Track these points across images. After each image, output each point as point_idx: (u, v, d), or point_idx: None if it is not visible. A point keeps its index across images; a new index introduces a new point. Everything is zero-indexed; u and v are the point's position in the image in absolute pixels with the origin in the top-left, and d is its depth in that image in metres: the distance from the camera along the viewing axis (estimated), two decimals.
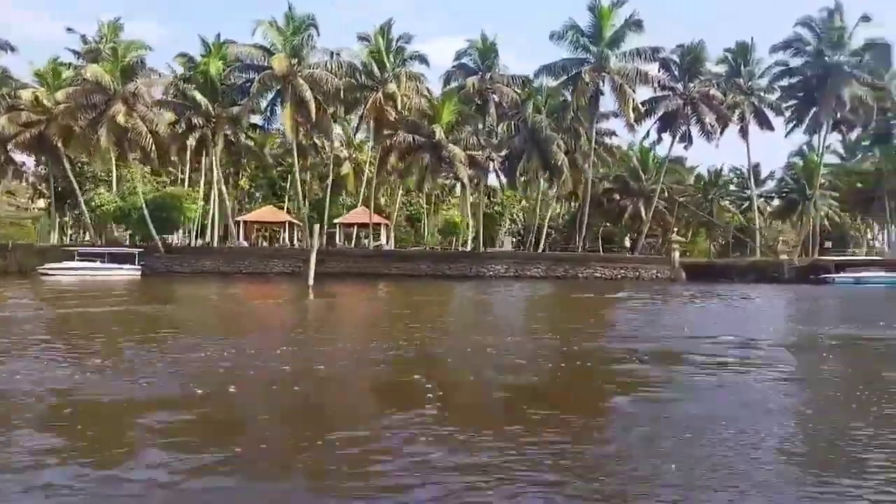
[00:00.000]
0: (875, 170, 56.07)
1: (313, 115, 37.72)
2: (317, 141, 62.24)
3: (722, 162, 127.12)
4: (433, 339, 12.90)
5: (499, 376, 9.08)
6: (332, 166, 55.25)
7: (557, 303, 26.26)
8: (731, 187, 75.58)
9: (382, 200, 62.83)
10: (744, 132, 52.70)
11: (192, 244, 50.85)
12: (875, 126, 51.22)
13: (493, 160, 41.84)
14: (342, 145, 65.12)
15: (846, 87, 42.91)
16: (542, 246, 58.35)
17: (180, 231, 56.27)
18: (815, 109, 45.58)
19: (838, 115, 49.97)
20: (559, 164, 39.30)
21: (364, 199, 44.98)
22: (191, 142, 41.81)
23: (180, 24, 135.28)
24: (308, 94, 37.44)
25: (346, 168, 61.85)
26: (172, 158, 47.72)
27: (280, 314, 19.13)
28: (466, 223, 72.06)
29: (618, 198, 66.97)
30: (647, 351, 11.50)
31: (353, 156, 57.38)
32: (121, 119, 37.58)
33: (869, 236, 73.85)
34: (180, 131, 41.15)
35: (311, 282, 24.61)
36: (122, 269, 39.39)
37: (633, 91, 41.43)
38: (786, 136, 54.37)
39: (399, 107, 39.60)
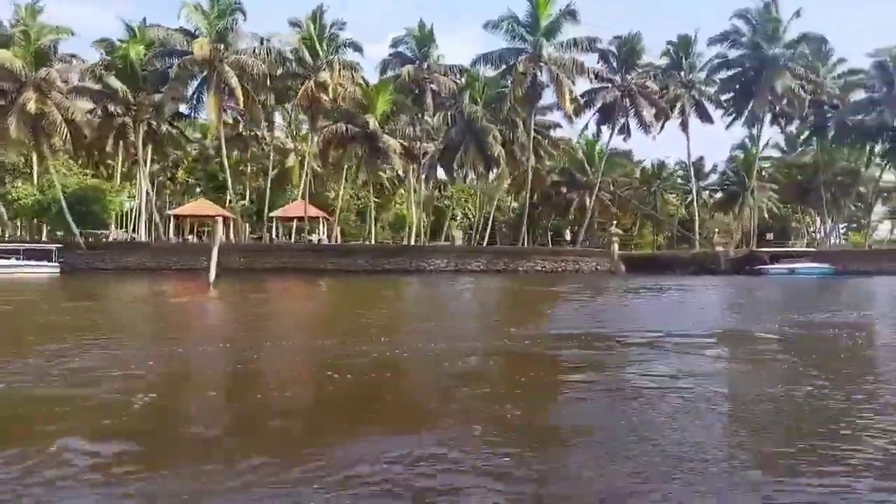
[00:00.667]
0: (813, 162, 57.20)
1: (240, 103, 36.04)
2: (257, 132, 60.39)
3: (671, 155, 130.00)
4: (282, 343, 11.47)
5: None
6: (273, 158, 53.47)
7: (478, 297, 25.45)
8: (678, 180, 76.62)
9: (333, 194, 61.49)
10: (684, 125, 53.13)
11: (127, 240, 48.69)
12: (812, 119, 52.05)
13: (427, 152, 40.75)
14: (287, 137, 63.36)
15: (780, 80, 43.36)
16: (486, 239, 57.89)
17: (113, 226, 53.86)
18: (751, 102, 45.89)
19: (777, 108, 50.67)
20: (496, 155, 38.51)
21: (305, 192, 43.40)
22: (112, 131, 39.51)
23: (126, 7, 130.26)
24: (234, 82, 35.77)
25: (292, 160, 60.18)
26: (108, 150, 45.42)
27: (162, 313, 17.77)
28: (418, 216, 71.29)
29: (565, 191, 67.08)
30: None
31: (298, 147, 55.75)
32: (31, 107, 35.29)
33: (812, 228, 75.38)
34: (98, 120, 38.87)
35: (212, 278, 23.17)
36: (38, 266, 37.19)
37: (573, 82, 40.97)
38: (726, 128, 54.96)
39: (333, 96, 38.22)
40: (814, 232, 74.77)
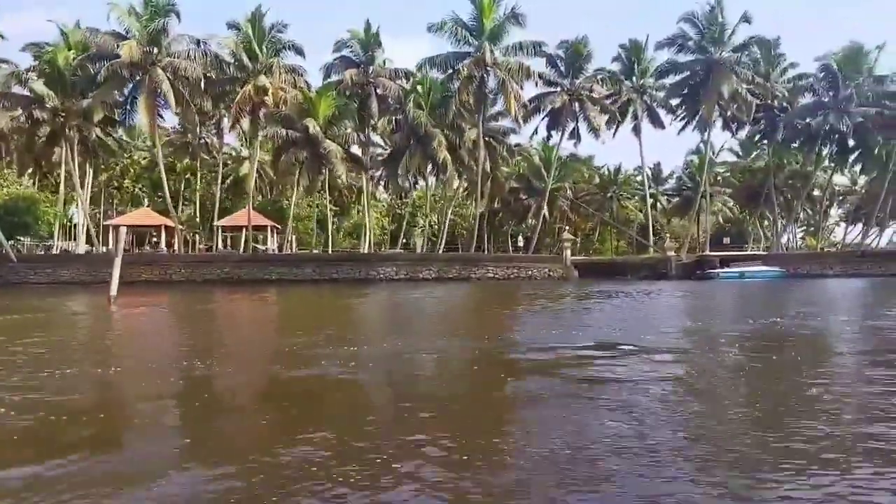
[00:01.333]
0: (764, 166, 57.70)
1: (174, 108, 34.68)
2: (206, 139, 58.83)
3: (622, 160, 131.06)
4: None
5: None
6: (228, 166, 52.14)
7: (415, 307, 24.49)
8: (637, 185, 76.90)
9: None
10: (637, 130, 53.11)
11: (72, 251, 46.69)
12: (763, 123, 52.40)
13: (372, 157, 39.80)
14: (242, 144, 61.85)
15: (727, 84, 43.43)
16: (446, 247, 57.08)
17: (56, 238, 51.74)
18: (700, 106, 45.96)
19: (728, 113, 50.89)
20: (441, 161, 37.70)
21: (250, 200, 42.05)
22: (39, 139, 37.75)
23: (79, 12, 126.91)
24: (166, 86, 34.40)
25: (246, 168, 58.60)
26: (54, 159, 43.54)
27: (51, 329, 16.37)
28: (380, 224, 70.25)
29: (524, 197, 66.77)
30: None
31: (252, 155, 54.37)
32: None
33: (770, 232, 75.85)
34: (24, 127, 37.11)
35: (113, 292, 21.83)
36: None
37: (520, 87, 40.45)
38: (677, 134, 55.23)
39: (273, 100, 37.06)
40: (772, 235, 75.43)
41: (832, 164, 51.61)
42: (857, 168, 56.21)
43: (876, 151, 46.47)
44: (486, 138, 53.18)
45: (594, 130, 45.36)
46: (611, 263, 50.49)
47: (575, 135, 46.53)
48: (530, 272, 45.41)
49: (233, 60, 37.47)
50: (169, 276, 41.11)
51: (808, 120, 46.67)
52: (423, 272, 43.60)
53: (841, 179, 73.57)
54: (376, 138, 46.65)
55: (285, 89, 37.45)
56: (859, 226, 78.26)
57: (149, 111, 35.45)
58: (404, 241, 73.62)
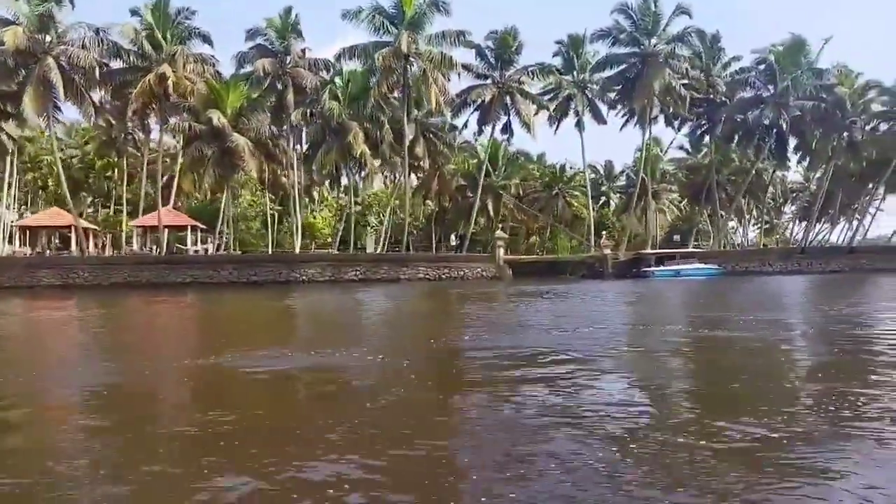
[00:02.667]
0: (707, 162, 56.85)
1: (62, 98, 32.17)
2: (135, 134, 55.89)
3: (588, 157, 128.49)
4: None
5: None
6: (151, 162, 49.05)
7: (326, 311, 22.56)
8: (586, 183, 75.77)
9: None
10: (579, 126, 51.81)
11: None
12: (704, 118, 51.44)
13: (285, 151, 37.64)
14: (177, 141, 59.06)
15: (660, 77, 42.21)
16: (383, 247, 55.25)
17: None
18: (636, 100, 44.72)
19: (670, 109, 49.82)
20: (357, 155, 35.69)
21: (155, 196, 39.57)
22: None
23: None
24: (55, 75, 31.86)
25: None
26: None
27: None
28: (330, 223, 67.93)
29: (470, 195, 65.16)
30: None
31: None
32: None
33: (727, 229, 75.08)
34: None
35: None
36: None
37: (447, 78, 38.63)
38: (620, 130, 54.00)
39: (177, 91, 34.70)
40: (716, 232, 74.81)
41: (771, 160, 50.71)
42: (796, 162, 55.64)
43: (814, 146, 45.72)
44: (426, 134, 51.56)
45: (527, 125, 43.79)
46: (548, 262, 49.03)
47: (507, 129, 44.92)
48: (462, 272, 43.76)
49: (134, 49, 34.99)
50: (72, 279, 38.51)
51: (745, 114, 45.73)
52: (348, 273, 41.64)
53: (795, 177, 73.53)
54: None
55: (192, 80, 35.10)
56: (815, 223, 78.81)
57: (37, 103, 32.81)
58: (356, 242, 71.75)
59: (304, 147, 38.64)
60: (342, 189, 66.06)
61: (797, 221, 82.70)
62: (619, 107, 50.13)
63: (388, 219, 48.25)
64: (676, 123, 54.44)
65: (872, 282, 34.28)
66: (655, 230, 70.80)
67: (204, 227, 47.27)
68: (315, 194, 64.83)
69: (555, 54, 50.96)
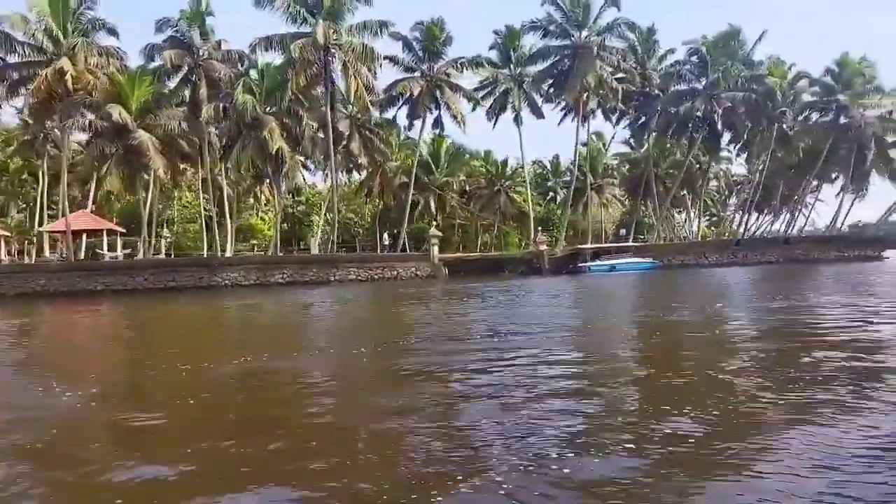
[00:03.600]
0: (644, 156, 56.69)
1: None
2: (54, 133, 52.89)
3: (536, 152, 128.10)
4: None
5: None
6: (64, 163, 46.17)
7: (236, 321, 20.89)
8: (530, 178, 75.19)
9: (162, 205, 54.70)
10: (517, 120, 50.96)
11: None
12: (641, 111, 51.11)
13: (200, 150, 35.61)
14: None
15: (591, 69, 41.55)
16: (316, 248, 53.64)
17: None
18: (568, 93, 43.98)
19: (608, 104, 49.35)
20: (274, 152, 33.92)
21: (60, 199, 37.13)
22: None
23: None
24: None
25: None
26: None
27: None
28: (272, 226, 65.73)
29: (413, 193, 63.90)
30: None
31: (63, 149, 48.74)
32: None
33: (675, 222, 75.23)
34: None
35: None
36: None
37: (372, 72, 37.13)
38: (558, 124, 53.45)
39: (83, 86, 32.42)
40: (679, 225, 75.18)
41: (705, 152, 50.73)
42: (735, 154, 55.99)
43: (744, 136, 45.78)
44: (362, 130, 50.00)
45: (458, 120, 42.68)
46: (487, 260, 48.04)
47: (438, 124, 43.71)
48: (396, 272, 42.42)
49: (30, 41, 32.58)
50: None
51: (678, 107, 45.47)
52: (275, 276, 39.86)
53: (740, 170, 74.12)
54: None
55: (96, 73, 32.86)
56: (755, 215, 79.84)
57: None
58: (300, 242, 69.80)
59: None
60: (285, 189, 63.91)
61: (740, 214, 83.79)
62: (556, 101, 49.48)
63: (334, 218, 46.48)
64: (614, 118, 54.17)
65: (803, 272, 34.19)
66: (601, 224, 70.74)
67: (123, 230, 44.84)
68: (260, 195, 62.38)
69: (491, 47, 49.93)
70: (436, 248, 43.22)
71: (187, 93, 36.56)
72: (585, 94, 46.91)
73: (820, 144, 45.25)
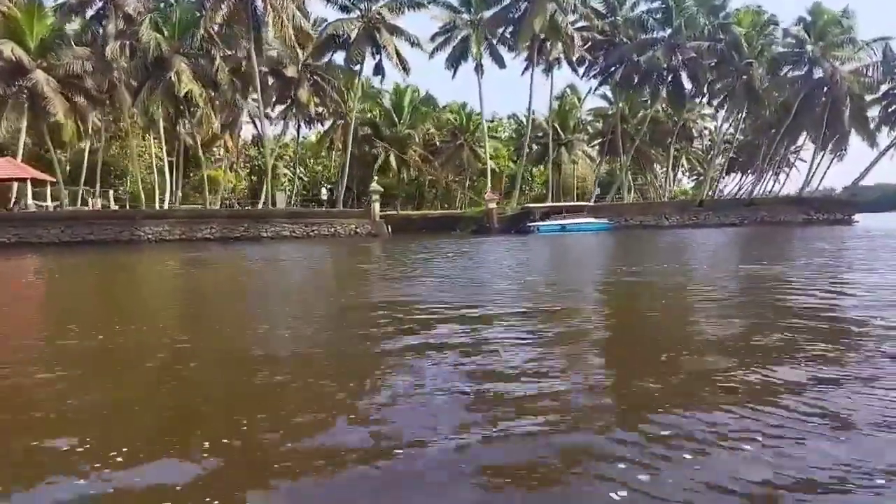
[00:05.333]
0: (613, 111, 53.79)
1: None
2: None
3: (513, 105, 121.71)
4: None
5: None
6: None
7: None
8: (498, 132, 72.39)
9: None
10: (478, 69, 48.11)
11: None
12: (606, 62, 48.06)
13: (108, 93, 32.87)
14: None
15: (541, 14, 38.44)
16: (282, 202, 51.49)
17: None
18: (520, 40, 40.96)
19: (573, 54, 46.24)
20: (183, 95, 31.21)
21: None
22: None
23: None
24: None
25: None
26: None
27: None
28: (234, 177, 63.35)
29: (377, 145, 61.34)
30: None
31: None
32: None
33: (656, 180, 72.48)
34: None
35: None
36: None
37: (300, 12, 34.12)
38: (521, 74, 50.39)
39: None
40: (658, 185, 72.31)
41: (665, 107, 47.93)
42: (698, 108, 53.15)
43: (705, 90, 42.91)
44: (312, 77, 47.09)
45: (402, 65, 39.79)
46: (435, 218, 45.83)
47: (379, 70, 40.82)
48: (333, 229, 40.33)
49: None
50: None
51: (640, 57, 42.45)
52: (202, 231, 37.80)
53: (727, 127, 71.01)
54: None
55: None
56: (745, 175, 77.16)
57: None
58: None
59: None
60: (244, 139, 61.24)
61: (725, 173, 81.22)
62: (516, 49, 46.41)
63: (268, 171, 43.97)
64: (582, 69, 51.07)
65: (764, 235, 31.97)
66: (573, 181, 68.15)
67: (53, 180, 42.37)
68: (226, 144, 59.17)
69: None
70: (376, 205, 40.93)
71: (101, 31, 33.59)
72: (546, 42, 43.98)
73: (791, 100, 42.45)
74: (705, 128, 75.62)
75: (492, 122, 70.22)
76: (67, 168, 47.91)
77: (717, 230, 40.06)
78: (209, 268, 18.51)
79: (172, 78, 30.34)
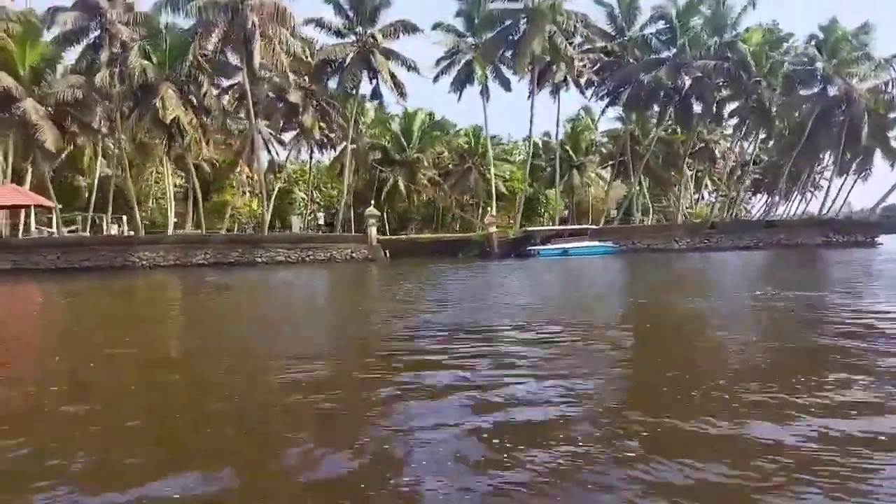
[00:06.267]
0: (623, 132, 52.46)
1: None
2: None
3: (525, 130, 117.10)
4: None
5: None
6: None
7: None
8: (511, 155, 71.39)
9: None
10: (484, 93, 47.43)
11: None
12: (612, 83, 46.99)
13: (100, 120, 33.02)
14: None
15: (539, 36, 37.63)
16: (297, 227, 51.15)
17: None
18: (518, 62, 40.16)
19: (578, 76, 45.37)
20: (168, 121, 31.05)
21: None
22: None
23: None
24: None
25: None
26: None
27: None
28: (256, 203, 63.65)
29: (385, 170, 61.08)
30: None
31: None
32: None
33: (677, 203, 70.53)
34: None
35: None
36: None
37: (290, 34, 33.89)
38: (528, 98, 49.42)
39: None
40: (675, 207, 70.32)
41: (675, 127, 46.51)
42: (704, 128, 51.43)
43: (713, 110, 41.40)
44: (319, 102, 47.08)
45: (399, 91, 39.42)
46: (438, 242, 44.91)
47: (376, 94, 40.46)
48: (330, 254, 39.77)
49: None
50: None
51: (645, 77, 41.19)
52: (197, 257, 37.59)
53: (747, 147, 68.81)
54: None
55: None
56: (769, 197, 74.64)
57: None
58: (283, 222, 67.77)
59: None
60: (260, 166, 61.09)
61: (753, 195, 78.83)
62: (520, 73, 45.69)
63: (262, 198, 43.87)
64: (590, 91, 50.10)
65: (769, 259, 30.41)
66: (590, 204, 66.65)
67: (52, 205, 42.81)
68: (244, 171, 59.44)
69: (457, 14, 46.66)
70: (373, 230, 40.22)
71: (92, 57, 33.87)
72: (553, 65, 43.14)
73: (806, 119, 40.69)
74: (728, 148, 73.49)
75: (506, 144, 69.44)
76: (86, 194, 48.49)
77: (731, 253, 38.37)
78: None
79: (157, 104, 30.30)
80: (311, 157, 54.28)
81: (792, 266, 23.20)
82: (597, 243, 39.97)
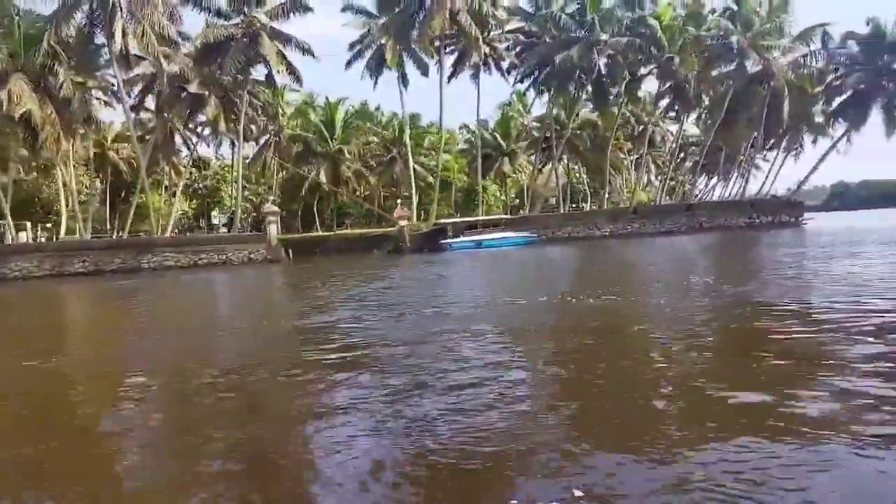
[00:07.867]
0: (547, 116, 50.40)
1: None
2: None
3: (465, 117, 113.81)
4: None
5: None
6: None
7: None
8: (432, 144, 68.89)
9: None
10: (402, 79, 44.85)
11: None
12: (528, 65, 44.76)
13: None
14: None
15: (439, 15, 35.09)
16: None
17: None
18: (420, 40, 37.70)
19: (480, 56, 42.98)
20: (16, 116, 27.70)
21: None
22: None
23: None
24: None
25: None
26: None
27: None
28: (182, 202, 59.77)
29: (310, 163, 58.17)
30: None
31: None
32: None
33: (624, 187, 69.13)
34: None
35: None
36: None
37: (164, 16, 30.78)
38: (448, 81, 46.80)
39: None
40: (617, 191, 68.88)
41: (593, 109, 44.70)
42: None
43: (623, 88, 39.56)
44: (226, 92, 43.84)
45: (294, 75, 36.64)
46: (348, 238, 42.33)
47: (270, 80, 37.50)
48: (225, 256, 36.92)
49: None
50: None
51: (557, 58, 39.06)
52: (74, 265, 34.36)
53: (693, 130, 67.52)
54: None
55: None
56: (710, 178, 73.75)
57: None
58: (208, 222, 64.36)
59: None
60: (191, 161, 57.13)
61: (691, 177, 77.96)
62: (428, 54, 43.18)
63: (146, 193, 40.52)
64: (512, 73, 47.86)
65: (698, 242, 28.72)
66: (527, 193, 64.60)
67: None
68: (168, 169, 55.00)
69: None
70: (272, 228, 37.45)
71: None
72: (470, 48, 40.78)
73: (724, 96, 39.17)
74: (668, 130, 72.27)
75: (444, 133, 67.07)
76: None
77: (650, 239, 36.82)
78: None
79: (2, 97, 27.01)
80: (233, 152, 51.03)
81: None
82: (511, 234, 37.91)
